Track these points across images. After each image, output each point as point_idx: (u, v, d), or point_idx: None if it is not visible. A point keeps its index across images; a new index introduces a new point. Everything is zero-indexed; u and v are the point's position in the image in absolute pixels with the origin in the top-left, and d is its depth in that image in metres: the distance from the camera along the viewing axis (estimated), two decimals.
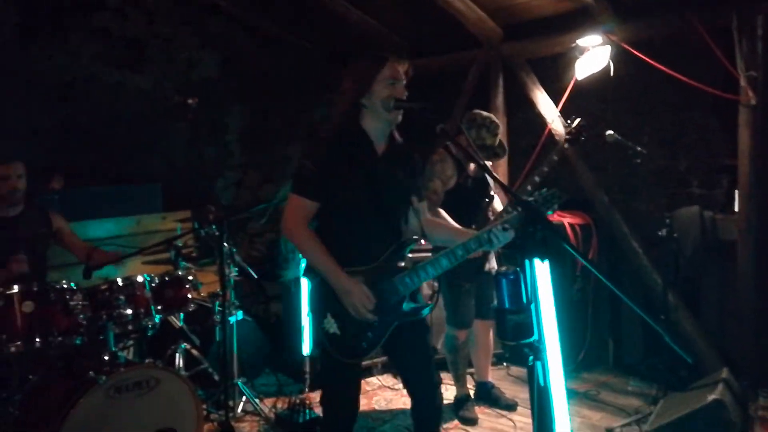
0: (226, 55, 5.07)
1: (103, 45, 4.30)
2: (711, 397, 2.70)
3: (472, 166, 3.35)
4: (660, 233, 3.39)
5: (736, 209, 3.58)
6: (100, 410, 2.45)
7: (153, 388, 2.60)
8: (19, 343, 2.52)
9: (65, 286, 2.69)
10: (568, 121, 3.43)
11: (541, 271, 1.70)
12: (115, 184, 4.32)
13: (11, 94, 2.89)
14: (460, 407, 3.58)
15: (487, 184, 3.46)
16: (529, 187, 3.23)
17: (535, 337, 1.68)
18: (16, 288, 2.57)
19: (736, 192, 3.58)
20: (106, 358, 2.67)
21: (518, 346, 1.69)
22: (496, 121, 3.37)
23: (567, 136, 3.34)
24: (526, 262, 1.71)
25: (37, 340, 2.56)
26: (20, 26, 3.83)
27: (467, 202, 3.32)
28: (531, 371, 1.72)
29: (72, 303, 2.64)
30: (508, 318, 1.62)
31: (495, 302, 1.66)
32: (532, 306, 1.68)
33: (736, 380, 3.02)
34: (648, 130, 4.46)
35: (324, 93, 5.82)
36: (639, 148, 3.55)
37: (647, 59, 3.73)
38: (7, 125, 3.81)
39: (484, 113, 3.36)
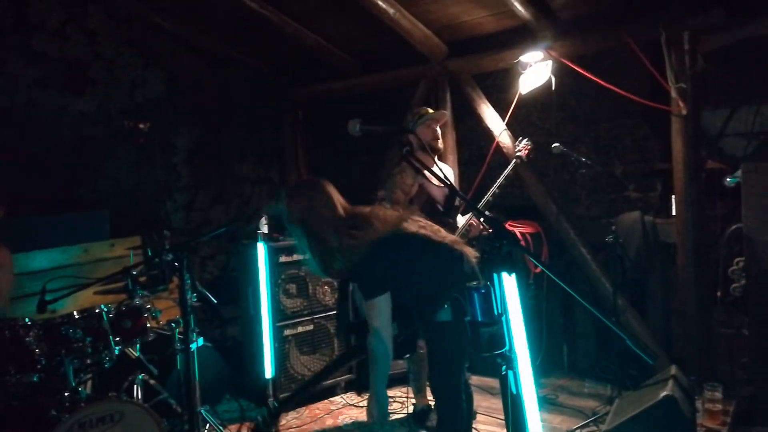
0: (172, 75, 4.98)
1: (42, 69, 4.16)
2: (663, 394, 2.85)
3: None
4: (608, 239, 3.56)
5: (674, 213, 3.81)
6: None
7: (118, 422, 2.52)
8: None
9: (20, 321, 2.57)
10: (517, 142, 3.68)
11: (509, 283, 1.77)
12: (60, 212, 4.14)
13: None
14: (425, 418, 3.63)
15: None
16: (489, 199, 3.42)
17: (507, 347, 1.75)
18: None
19: (673, 197, 3.81)
20: (67, 394, 2.57)
21: (490, 356, 1.75)
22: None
23: (517, 155, 3.64)
24: (495, 275, 1.78)
25: None
26: None
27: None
28: (504, 381, 1.78)
29: (28, 339, 2.53)
30: (482, 331, 1.68)
31: (468, 316, 1.72)
32: (503, 318, 1.75)
33: (684, 376, 3.20)
34: (585, 138, 4.70)
35: (273, 112, 5.83)
36: (584, 159, 3.75)
37: (584, 72, 3.94)
38: None
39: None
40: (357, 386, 4.30)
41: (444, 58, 4.69)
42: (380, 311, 2.29)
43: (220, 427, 3.37)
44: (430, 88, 4.81)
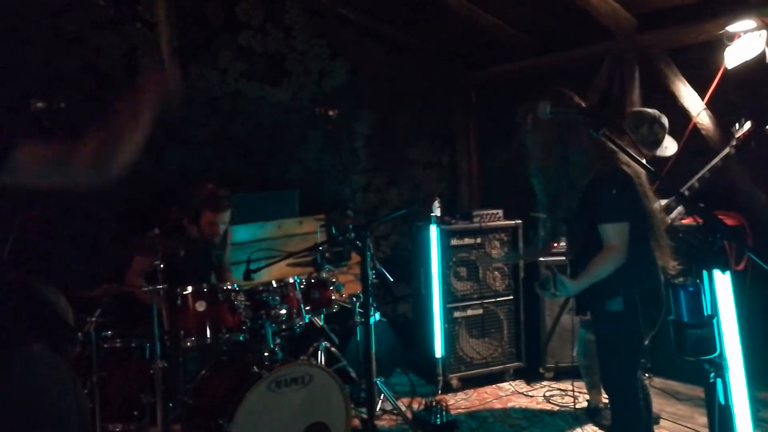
0: (354, 64, 5.25)
1: (247, 62, 4.63)
2: None
3: None
4: None
5: None
6: (263, 402, 2.66)
7: (307, 383, 2.77)
8: (193, 338, 2.80)
9: (230, 287, 2.94)
10: (736, 126, 3.25)
11: (722, 282, 1.60)
12: (259, 191, 4.63)
13: (173, 110, 3.22)
14: (599, 416, 3.47)
15: None
16: (687, 193, 3.08)
17: (717, 352, 1.59)
18: (190, 289, 2.85)
19: None
20: (266, 354, 2.88)
21: (697, 361, 1.61)
22: (663, 115, 3.27)
23: (735, 142, 3.19)
24: (705, 273, 1.62)
25: (209, 335, 2.82)
26: (179, 49, 4.23)
27: None
28: (711, 389, 1.63)
29: (236, 303, 2.89)
30: (689, 332, 1.54)
31: (672, 315, 1.59)
32: (714, 320, 1.59)
33: None
34: None
35: (446, 95, 5.87)
36: None
37: None
38: (170, 137, 4.23)
39: (649, 109, 3.26)
40: (526, 374, 4.23)
41: (633, 32, 4.33)
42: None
43: (394, 399, 3.54)
44: (615, 65, 4.48)
